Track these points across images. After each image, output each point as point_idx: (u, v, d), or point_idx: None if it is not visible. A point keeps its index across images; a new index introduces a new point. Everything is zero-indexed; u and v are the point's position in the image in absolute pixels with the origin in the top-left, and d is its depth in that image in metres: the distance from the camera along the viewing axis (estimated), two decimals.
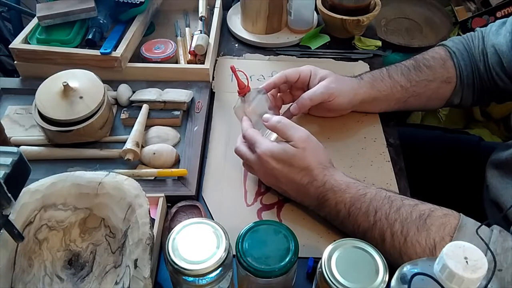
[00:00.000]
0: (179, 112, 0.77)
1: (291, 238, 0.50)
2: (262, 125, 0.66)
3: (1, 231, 0.48)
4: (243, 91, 0.71)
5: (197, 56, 0.87)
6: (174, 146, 0.73)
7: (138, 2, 0.86)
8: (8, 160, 0.44)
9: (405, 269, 0.41)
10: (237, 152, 0.67)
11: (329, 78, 0.73)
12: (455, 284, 0.35)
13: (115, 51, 0.82)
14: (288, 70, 0.75)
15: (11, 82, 0.85)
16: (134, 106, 0.78)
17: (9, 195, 0.43)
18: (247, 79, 0.71)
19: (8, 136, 0.69)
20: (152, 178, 0.68)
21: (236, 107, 0.72)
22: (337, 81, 0.73)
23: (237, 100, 0.72)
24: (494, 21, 0.77)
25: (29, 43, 0.84)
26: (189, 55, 0.87)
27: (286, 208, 0.66)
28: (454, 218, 0.53)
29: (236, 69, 0.70)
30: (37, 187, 0.55)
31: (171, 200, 0.65)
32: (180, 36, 0.94)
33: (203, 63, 0.86)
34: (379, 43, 0.97)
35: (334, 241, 0.48)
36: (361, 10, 0.94)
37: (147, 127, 0.75)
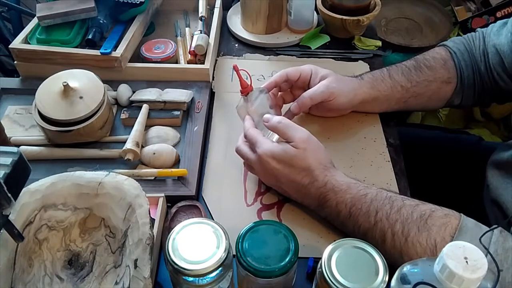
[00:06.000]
0: (179, 112, 0.77)
1: (291, 238, 0.50)
2: (263, 124, 0.66)
3: (1, 231, 0.48)
4: (245, 90, 0.71)
5: (197, 56, 0.87)
6: (174, 146, 0.73)
7: (138, 2, 0.86)
8: (8, 160, 0.44)
9: (405, 269, 0.41)
10: (238, 151, 0.67)
11: (329, 78, 0.73)
12: (455, 284, 0.35)
13: (115, 51, 0.81)
14: (289, 69, 0.75)
15: (11, 82, 0.85)
16: (134, 106, 0.78)
17: (9, 195, 0.43)
18: (249, 78, 0.71)
19: (8, 136, 0.69)
20: (152, 178, 0.68)
21: (238, 107, 0.72)
22: (338, 80, 0.73)
23: (239, 99, 0.72)
24: (494, 21, 0.77)
25: (29, 43, 0.84)
26: (189, 55, 0.87)
27: (286, 208, 0.66)
28: (455, 219, 0.53)
29: (239, 69, 0.70)
30: (37, 187, 0.55)
31: (171, 200, 0.65)
32: (180, 36, 0.94)
33: (203, 63, 0.86)
34: (379, 43, 0.97)
35: (334, 241, 0.48)
36: (361, 10, 0.94)
37: (147, 127, 0.75)
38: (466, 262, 0.35)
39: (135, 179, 0.56)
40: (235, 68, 0.70)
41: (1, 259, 0.50)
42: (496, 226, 0.48)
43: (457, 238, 0.50)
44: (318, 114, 0.79)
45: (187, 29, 0.96)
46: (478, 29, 0.79)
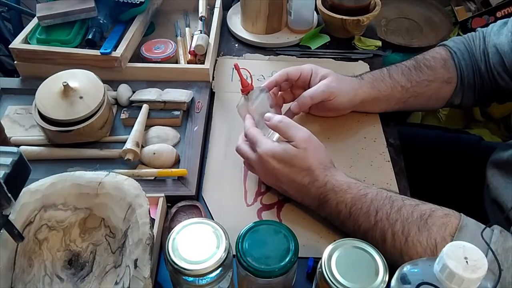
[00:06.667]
0: (179, 112, 0.77)
1: (291, 238, 0.50)
2: (265, 123, 0.66)
3: (1, 231, 0.48)
4: (246, 89, 0.71)
5: (197, 56, 0.87)
6: (174, 146, 0.73)
7: (138, 2, 0.86)
8: (8, 160, 0.44)
9: (405, 269, 0.41)
10: (238, 151, 0.67)
11: (330, 77, 0.73)
12: (455, 284, 0.35)
13: (115, 51, 0.81)
14: (289, 68, 0.75)
15: (11, 82, 0.85)
16: (134, 106, 0.78)
17: (9, 195, 0.43)
18: (250, 77, 0.71)
19: (8, 136, 0.69)
20: (152, 178, 0.68)
21: (239, 106, 0.72)
22: (338, 80, 0.73)
23: (240, 98, 0.72)
24: (494, 21, 0.77)
25: (29, 43, 0.84)
26: (189, 55, 0.87)
27: (286, 208, 0.66)
28: (455, 218, 0.53)
29: (240, 67, 0.70)
30: (37, 187, 0.55)
31: (171, 200, 0.65)
32: (180, 36, 0.94)
33: (203, 63, 0.86)
34: (379, 43, 0.97)
35: (334, 241, 0.48)
36: (361, 10, 0.94)
37: (147, 127, 0.75)
38: (466, 262, 0.35)
39: (135, 179, 0.56)
40: (236, 67, 0.70)
41: (1, 259, 0.50)
42: (495, 224, 0.48)
43: (457, 238, 0.50)
44: (318, 113, 0.79)
45: (187, 29, 0.96)
46: (478, 28, 0.79)
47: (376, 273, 0.45)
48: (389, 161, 0.72)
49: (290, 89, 0.78)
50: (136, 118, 0.74)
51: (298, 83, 0.76)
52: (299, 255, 0.49)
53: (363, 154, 0.74)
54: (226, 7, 1.06)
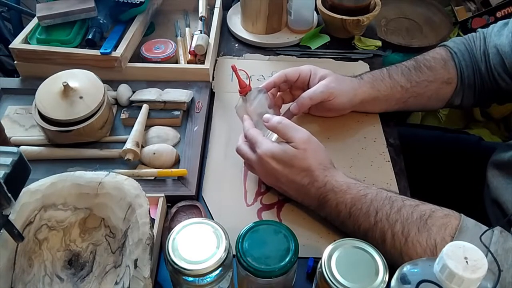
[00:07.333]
0: (179, 112, 0.77)
1: (291, 238, 0.50)
2: (263, 124, 0.66)
3: (1, 231, 0.48)
4: (244, 90, 0.71)
5: (197, 56, 0.87)
6: (174, 146, 0.73)
7: (138, 2, 0.86)
8: (8, 160, 0.44)
9: (405, 269, 0.41)
10: (238, 151, 0.67)
11: (329, 78, 0.73)
12: (455, 284, 0.35)
13: (115, 51, 0.81)
14: (288, 69, 0.75)
15: (11, 82, 0.85)
16: (134, 106, 0.78)
17: (9, 195, 0.43)
18: (248, 78, 0.71)
19: (8, 136, 0.69)
20: (152, 178, 0.68)
21: (237, 107, 0.72)
22: (337, 80, 0.73)
23: (238, 99, 0.72)
24: (494, 21, 0.78)
25: (29, 43, 0.84)
26: (189, 55, 0.87)
27: (286, 208, 0.66)
28: (455, 219, 0.53)
29: (237, 69, 0.70)
30: (37, 187, 0.55)
31: (171, 200, 0.65)
32: (180, 36, 0.94)
33: (203, 63, 0.86)
34: (379, 43, 0.97)
35: (334, 241, 0.48)
36: (361, 10, 0.94)
37: (147, 127, 0.75)
38: (466, 262, 0.35)
39: (135, 179, 0.56)
40: (233, 68, 0.70)
41: (1, 259, 0.50)
42: (496, 225, 0.48)
43: (457, 238, 0.50)
44: (318, 114, 0.79)
45: (187, 29, 0.96)
46: (479, 29, 0.79)
47: (376, 273, 0.45)
48: (389, 161, 0.72)
49: (289, 90, 0.78)
50: (136, 118, 0.74)
51: (297, 84, 0.76)
52: (299, 255, 0.49)
53: (363, 154, 0.74)
54: (226, 7, 1.06)
